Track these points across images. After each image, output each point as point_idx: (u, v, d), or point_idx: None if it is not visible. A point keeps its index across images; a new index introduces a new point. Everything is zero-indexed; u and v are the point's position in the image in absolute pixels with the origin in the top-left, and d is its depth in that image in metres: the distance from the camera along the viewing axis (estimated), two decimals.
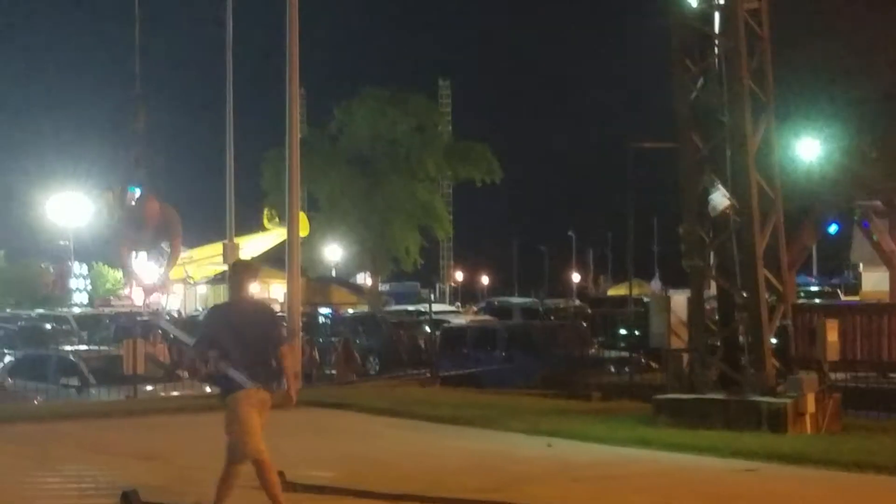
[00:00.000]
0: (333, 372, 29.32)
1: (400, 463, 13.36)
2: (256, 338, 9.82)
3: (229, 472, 9.78)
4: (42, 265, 62.73)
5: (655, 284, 65.14)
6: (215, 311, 10.55)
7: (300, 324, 25.48)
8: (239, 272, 10.14)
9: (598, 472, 12.70)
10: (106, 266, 67.14)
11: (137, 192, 11.49)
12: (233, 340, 9.71)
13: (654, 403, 16.63)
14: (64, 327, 38.74)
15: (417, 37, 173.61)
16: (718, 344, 16.83)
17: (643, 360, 25.82)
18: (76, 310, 49.37)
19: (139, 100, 11.96)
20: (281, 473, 11.50)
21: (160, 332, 24.68)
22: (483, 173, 62.21)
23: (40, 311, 45.23)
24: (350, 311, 54.36)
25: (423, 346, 36.43)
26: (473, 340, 31.38)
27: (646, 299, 38.66)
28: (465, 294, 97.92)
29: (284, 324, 11.73)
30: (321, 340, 35.02)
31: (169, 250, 11.59)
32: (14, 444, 14.45)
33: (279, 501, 9.72)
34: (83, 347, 28.10)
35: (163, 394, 21.22)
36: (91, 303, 60.55)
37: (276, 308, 45.37)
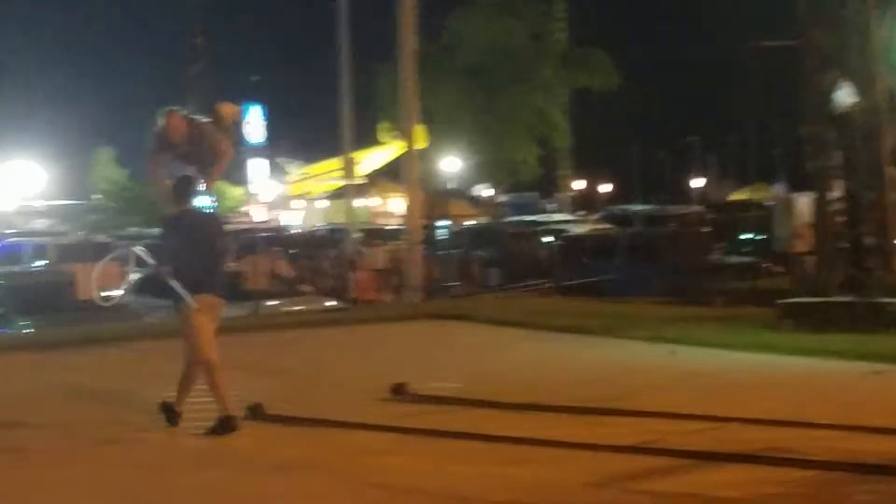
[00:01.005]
0: (453, 284, 29.39)
1: (522, 373, 13.33)
2: (203, 247, 10.55)
3: (188, 371, 10.61)
4: (166, 183, 63.63)
5: (779, 188, 63.87)
6: (166, 226, 11.08)
7: (420, 237, 25.56)
8: (182, 185, 10.84)
9: (724, 380, 12.51)
10: (228, 184, 68.14)
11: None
12: (183, 251, 10.46)
13: (778, 308, 16.34)
14: None
15: None
16: (844, 246, 16.42)
17: (767, 265, 25.38)
18: None
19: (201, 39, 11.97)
20: (403, 385, 11.58)
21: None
22: (601, 80, 61.24)
23: None
24: (469, 223, 54.39)
25: (542, 256, 36.31)
26: (593, 249, 31.14)
27: (768, 203, 37.95)
28: (585, 203, 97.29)
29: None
30: (440, 253, 35.12)
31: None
32: (141, 363, 14.74)
33: (225, 403, 10.28)
34: None
35: (284, 309, 21.46)
36: None
37: (397, 221, 45.58)
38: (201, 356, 10.46)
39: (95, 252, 24.49)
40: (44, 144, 65.49)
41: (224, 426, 10.16)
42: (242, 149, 63.98)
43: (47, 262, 29.58)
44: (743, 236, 32.71)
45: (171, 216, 10.89)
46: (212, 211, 11.64)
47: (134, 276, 25.92)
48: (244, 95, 63.02)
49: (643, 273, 26.92)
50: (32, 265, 29.29)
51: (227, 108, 11.78)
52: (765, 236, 26.94)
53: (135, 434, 10.35)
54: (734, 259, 27.98)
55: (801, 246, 17.22)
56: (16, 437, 10.31)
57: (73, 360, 14.91)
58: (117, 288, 23.83)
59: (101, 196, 62.74)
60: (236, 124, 12.12)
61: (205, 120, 11.40)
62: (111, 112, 67.88)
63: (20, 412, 11.38)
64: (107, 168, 64.22)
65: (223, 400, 10.32)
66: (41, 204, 63.00)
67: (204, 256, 10.56)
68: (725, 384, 12.23)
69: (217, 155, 11.26)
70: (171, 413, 10.61)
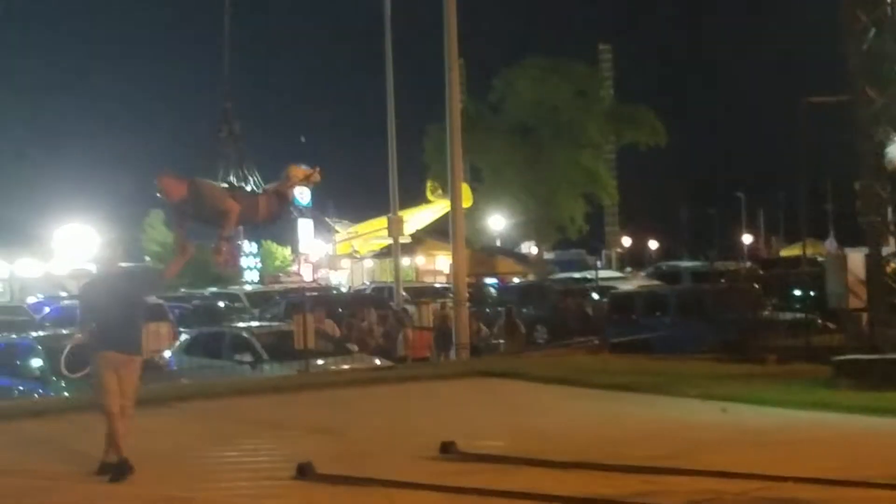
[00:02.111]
0: (499, 342, 29.28)
1: (572, 431, 13.20)
2: (112, 306, 11.20)
3: (107, 421, 11.18)
4: (213, 245, 64.10)
5: (830, 244, 63.36)
6: (83, 288, 12.33)
7: (466, 294, 25.51)
8: (104, 248, 12.21)
9: (778, 438, 12.33)
10: (275, 244, 68.57)
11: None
12: (96, 310, 11.35)
13: (833, 365, 16.11)
14: (236, 305, 39.57)
15: (576, 2, 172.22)
16: None
17: (820, 322, 25.06)
18: (248, 287, 50.39)
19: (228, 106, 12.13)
20: (452, 443, 11.49)
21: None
22: (647, 137, 61.31)
23: (213, 289, 46.28)
24: (516, 280, 54.31)
25: (590, 313, 36.11)
26: (642, 306, 30.93)
27: (820, 259, 37.53)
28: (633, 259, 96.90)
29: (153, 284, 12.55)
30: (487, 311, 35.02)
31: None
32: (192, 421, 14.74)
33: (118, 450, 10.96)
34: (255, 324, 28.60)
35: (333, 367, 21.43)
36: (261, 280, 61.80)
37: (444, 279, 45.43)
38: (105, 407, 11.11)
39: (147, 314, 24.61)
40: (98, 208, 66.27)
41: (121, 471, 10.81)
42: (293, 209, 64.28)
43: None
44: (795, 292, 32.36)
45: (89, 279, 11.74)
46: (140, 270, 12.14)
47: (182, 337, 26.16)
48: (293, 156, 63.46)
49: (693, 330, 26.67)
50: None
51: (296, 171, 12.01)
52: (817, 292, 26.62)
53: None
54: (786, 315, 27.67)
55: (854, 302, 17.00)
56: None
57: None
58: (168, 348, 24.02)
59: (151, 258, 63.29)
60: (314, 184, 12.32)
61: (209, 181, 11.65)
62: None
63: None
64: (157, 231, 64.88)
65: (117, 447, 10.98)
66: (94, 267, 63.60)
67: (114, 315, 11.19)
68: (780, 442, 12.04)
69: (221, 213, 11.46)
70: (113, 469, 10.90)
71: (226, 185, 11.82)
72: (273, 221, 12.59)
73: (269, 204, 11.95)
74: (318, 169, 12.26)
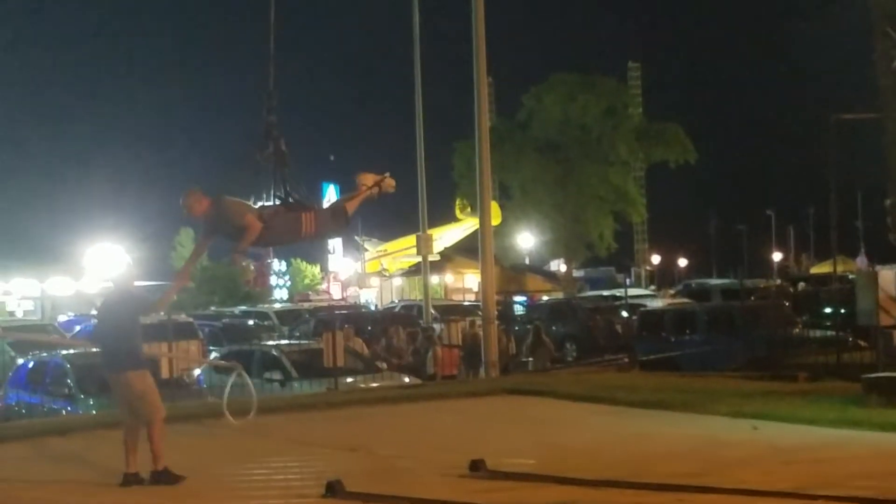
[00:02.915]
0: (528, 359, 29.25)
1: (602, 449, 13.16)
2: (108, 327, 11.88)
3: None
4: (243, 263, 64.43)
5: (861, 261, 63.02)
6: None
7: (495, 312, 25.50)
8: (116, 269, 12.17)
9: (810, 455, 12.25)
10: (304, 262, 68.79)
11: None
12: (95, 332, 12.64)
13: (864, 383, 16.00)
14: (265, 323, 39.68)
15: (604, 21, 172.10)
16: None
17: (851, 339, 24.92)
18: (277, 305, 50.53)
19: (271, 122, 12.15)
20: (481, 461, 11.48)
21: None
22: (677, 154, 61.11)
23: (243, 307, 46.45)
24: (545, 298, 54.24)
25: (620, 331, 36.02)
26: (672, 324, 30.84)
27: (851, 276, 37.32)
28: (662, 277, 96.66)
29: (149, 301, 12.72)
30: (517, 328, 35.01)
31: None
32: (222, 439, 14.78)
33: (125, 462, 11.55)
34: (284, 342, 28.67)
35: (363, 385, 21.44)
36: (290, 298, 61.97)
37: (473, 297, 45.39)
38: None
39: (177, 332, 24.73)
40: (128, 227, 66.77)
41: (126, 481, 11.40)
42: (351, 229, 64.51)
43: None
44: (825, 310, 32.19)
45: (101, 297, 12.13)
46: (136, 294, 12.23)
47: (213, 355, 26.25)
48: (323, 174, 63.82)
49: (723, 347, 26.57)
50: None
51: (364, 177, 12.04)
52: (847, 310, 26.47)
53: None
54: (816, 333, 27.53)
55: (885, 319, 16.89)
56: None
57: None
58: (198, 367, 24.08)
59: None
60: (389, 190, 12.30)
61: (231, 198, 11.73)
62: None
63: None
64: (187, 249, 65.19)
65: (125, 459, 11.54)
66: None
67: (108, 336, 11.84)
68: (811, 460, 11.98)
69: (240, 229, 11.54)
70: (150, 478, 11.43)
71: (266, 204, 11.87)
72: (323, 237, 12.65)
73: (316, 220, 11.89)
74: (387, 174, 12.25)
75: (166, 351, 21.91)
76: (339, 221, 11.96)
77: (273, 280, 64.74)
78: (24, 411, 20.32)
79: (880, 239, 19.97)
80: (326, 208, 12.30)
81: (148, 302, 12.57)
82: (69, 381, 20.51)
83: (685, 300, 44.10)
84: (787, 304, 32.06)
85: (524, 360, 29.35)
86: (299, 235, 11.96)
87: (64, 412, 19.71)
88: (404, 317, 37.47)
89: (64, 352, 22.40)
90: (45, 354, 22.86)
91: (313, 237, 12.18)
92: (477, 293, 42.98)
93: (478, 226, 26.91)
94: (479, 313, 26.86)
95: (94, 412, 18.70)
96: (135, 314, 12.02)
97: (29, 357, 23.24)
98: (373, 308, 51.63)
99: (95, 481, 11.78)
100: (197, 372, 24.51)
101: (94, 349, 12.22)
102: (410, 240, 47.44)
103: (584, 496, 10.15)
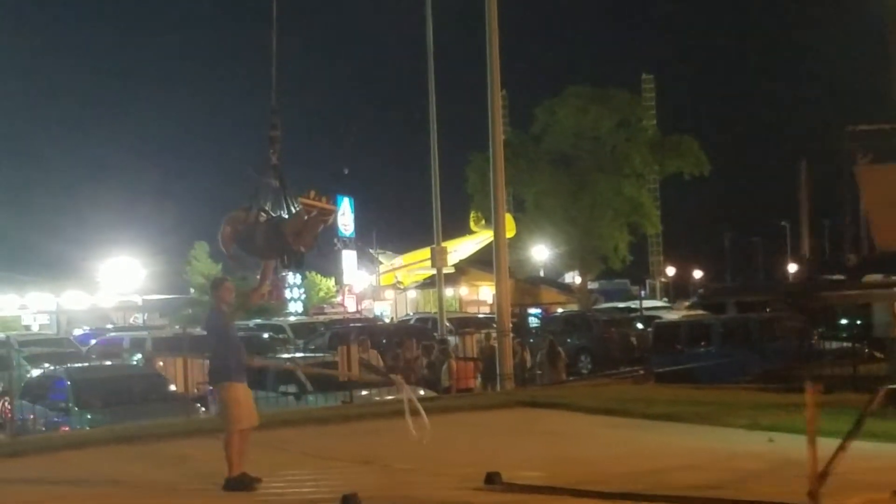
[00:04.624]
0: (539, 372, 29.23)
1: (617, 462, 13.14)
2: (205, 343, 12.90)
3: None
4: (258, 277, 64.44)
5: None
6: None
7: (510, 325, 25.48)
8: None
9: (826, 468, 12.19)
10: (319, 275, 68.84)
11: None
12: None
13: (886, 394, 15.91)
14: (280, 336, 39.69)
15: (618, 33, 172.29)
16: None
17: (867, 350, 24.85)
18: (292, 318, 50.56)
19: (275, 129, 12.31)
20: (497, 474, 11.47)
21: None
22: (691, 166, 61.07)
23: (257, 320, 46.49)
24: (560, 310, 54.20)
25: (635, 343, 35.97)
26: (687, 336, 30.79)
27: None
28: (677, 289, 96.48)
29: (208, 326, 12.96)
30: (532, 341, 34.98)
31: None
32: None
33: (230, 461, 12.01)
34: (299, 355, 28.68)
35: (378, 398, 21.42)
36: (306, 311, 61.99)
37: (487, 309, 45.52)
38: None
39: (192, 346, 24.76)
40: (143, 241, 66.96)
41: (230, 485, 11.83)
42: (336, 241, 64.59)
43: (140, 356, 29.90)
44: (841, 321, 32.10)
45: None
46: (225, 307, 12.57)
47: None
48: (335, 188, 63.92)
49: (739, 359, 26.52)
50: (131, 359, 29.62)
51: (308, 202, 12.17)
52: (864, 321, 26.41)
53: None
54: (832, 345, 27.46)
55: None
56: None
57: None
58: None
59: (196, 291, 63.68)
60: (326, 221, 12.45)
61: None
62: (206, 207, 69.38)
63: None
64: (202, 263, 65.29)
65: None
66: (140, 299, 64.18)
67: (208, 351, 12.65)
68: (828, 472, 11.91)
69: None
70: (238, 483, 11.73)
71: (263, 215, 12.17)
72: (271, 254, 12.64)
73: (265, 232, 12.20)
74: (335, 209, 12.52)
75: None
76: (279, 241, 12.11)
77: (288, 293, 64.76)
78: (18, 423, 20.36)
79: None
80: (273, 224, 12.29)
81: (223, 317, 12.63)
82: (67, 394, 20.56)
83: (700, 312, 44.03)
84: (802, 316, 31.99)
85: (539, 372, 29.33)
86: (257, 248, 12.24)
87: (64, 426, 19.72)
88: (419, 329, 37.49)
89: (67, 366, 22.53)
90: (51, 368, 22.89)
91: (266, 253, 12.37)
92: (492, 306, 42.94)
93: (492, 238, 26.92)
94: (494, 326, 26.86)
95: (87, 427, 18.73)
96: (217, 330, 12.43)
97: (35, 370, 23.39)
98: (387, 321, 51.62)
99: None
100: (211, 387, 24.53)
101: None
102: (425, 252, 47.40)
103: None
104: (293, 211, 12.02)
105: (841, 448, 9.76)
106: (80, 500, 11.80)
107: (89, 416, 19.62)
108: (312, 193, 12.13)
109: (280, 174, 12.15)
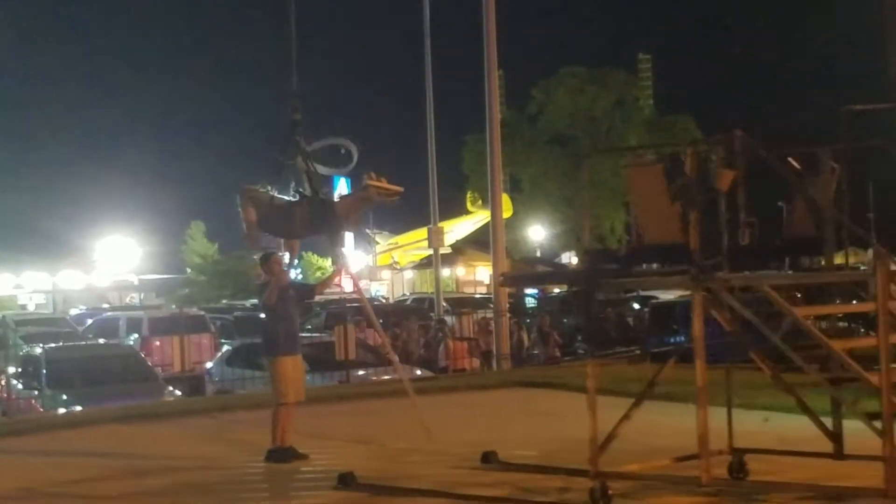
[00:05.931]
0: (540, 352, 29.26)
1: (612, 441, 13.13)
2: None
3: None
4: (255, 257, 64.44)
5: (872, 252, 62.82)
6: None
7: (507, 305, 25.49)
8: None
9: (822, 447, 12.23)
10: (315, 255, 68.85)
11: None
12: None
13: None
14: None
15: (615, 13, 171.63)
16: None
17: (862, 330, 24.88)
18: None
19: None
20: (493, 453, 11.50)
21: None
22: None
23: (254, 301, 46.48)
24: (556, 290, 54.22)
25: (631, 323, 35.98)
26: (683, 315, 30.76)
27: (863, 267, 37.22)
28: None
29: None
30: (528, 321, 34.99)
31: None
32: (234, 431, 14.84)
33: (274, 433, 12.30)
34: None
35: (375, 378, 21.46)
36: None
37: (484, 289, 45.33)
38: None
39: (189, 325, 24.76)
40: (139, 220, 66.82)
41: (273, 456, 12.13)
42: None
43: (136, 336, 29.88)
44: (836, 301, 32.13)
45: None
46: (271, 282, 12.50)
47: (224, 348, 26.30)
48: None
49: (734, 339, 26.51)
50: (126, 338, 29.60)
51: (376, 184, 12.35)
52: (860, 300, 26.44)
53: None
54: (828, 324, 27.48)
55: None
56: None
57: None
58: (209, 360, 24.13)
59: (192, 270, 63.66)
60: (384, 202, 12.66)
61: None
62: (202, 187, 69.36)
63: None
64: (198, 242, 65.23)
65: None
66: (136, 278, 64.17)
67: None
68: (824, 452, 11.94)
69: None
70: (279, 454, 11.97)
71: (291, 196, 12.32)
72: (314, 233, 12.76)
73: (308, 215, 12.10)
74: (399, 189, 12.60)
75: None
76: (331, 221, 12.18)
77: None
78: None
79: (892, 231, 19.91)
80: (320, 203, 12.36)
81: (272, 291, 12.64)
82: (41, 374, 20.55)
83: None
84: (798, 295, 32.01)
85: (536, 352, 29.37)
86: (293, 229, 12.24)
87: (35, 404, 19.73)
88: (416, 310, 37.48)
89: (50, 345, 22.56)
90: (37, 347, 22.89)
91: (304, 233, 12.45)
92: (488, 286, 43.00)
93: (489, 218, 26.91)
94: (491, 306, 26.87)
95: (60, 409, 18.70)
96: (265, 303, 12.58)
97: (28, 349, 23.41)
98: (384, 301, 51.63)
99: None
100: (209, 365, 24.58)
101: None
102: (422, 232, 47.43)
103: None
104: (323, 193, 12.20)
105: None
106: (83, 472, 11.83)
107: (64, 398, 19.52)
108: (374, 175, 12.29)
109: (307, 156, 12.24)
